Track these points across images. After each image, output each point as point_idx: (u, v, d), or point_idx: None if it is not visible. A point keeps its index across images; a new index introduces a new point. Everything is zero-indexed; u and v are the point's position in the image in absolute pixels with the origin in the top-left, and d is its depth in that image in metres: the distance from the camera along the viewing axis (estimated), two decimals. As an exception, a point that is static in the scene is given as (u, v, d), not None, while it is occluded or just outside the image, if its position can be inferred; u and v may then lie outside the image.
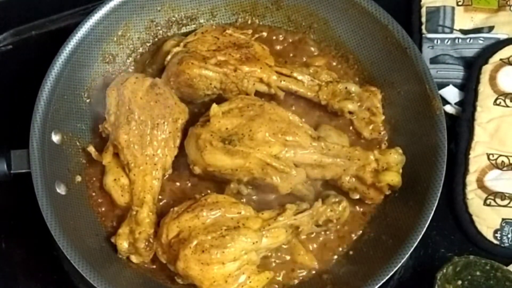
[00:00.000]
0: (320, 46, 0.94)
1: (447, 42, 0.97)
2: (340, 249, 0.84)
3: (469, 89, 0.93)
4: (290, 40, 0.95)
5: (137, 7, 0.91)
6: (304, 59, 0.93)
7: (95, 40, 0.89)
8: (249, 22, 0.95)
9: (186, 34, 0.92)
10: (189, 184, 0.87)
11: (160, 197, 0.85)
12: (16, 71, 0.98)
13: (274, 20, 0.95)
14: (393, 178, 0.81)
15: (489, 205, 0.87)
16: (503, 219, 0.87)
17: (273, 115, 0.81)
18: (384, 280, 0.75)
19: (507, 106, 0.92)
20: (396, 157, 0.82)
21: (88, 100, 0.90)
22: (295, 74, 0.89)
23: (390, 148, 0.83)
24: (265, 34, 0.95)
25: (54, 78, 0.84)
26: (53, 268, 0.87)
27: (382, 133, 0.88)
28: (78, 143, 0.88)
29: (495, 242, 0.86)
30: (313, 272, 0.83)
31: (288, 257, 0.83)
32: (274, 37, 0.95)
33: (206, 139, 0.79)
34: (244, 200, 0.84)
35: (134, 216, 0.81)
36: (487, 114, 0.91)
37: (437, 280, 0.76)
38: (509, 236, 0.86)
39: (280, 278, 0.82)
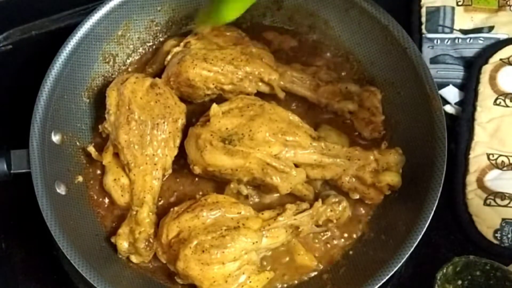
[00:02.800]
0: (321, 46, 0.94)
1: (447, 42, 0.97)
2: (341, 249, 0.84)
3: (469, 89, 0.93)
4: (291, 40, 0.95)
5: (137, 7, 0.91)
6: (304, 59, 0.93)
7: (95, 40, 0.89)
8: (249, 22, 0.96)
9: (186, 34, 0.92)
10: (189, 184, 0.87)
11: (160, 197, 0.85)
12: (16, 71, 0.98)
13: (275, 20, 0.96)
14: (393, 178, 0.81)
15: (489, 205, 0.87)
16: (503, 219, 0.87)
17: (273, 115, 0.81)
18: (384, 280, 0.75)
19: (507, 106, 0.92)
20: (396, 157, 0.82)
21: (88, 100, 0.90)
22: (295, 74, 0.89)
23: (390, 148, 0.83)
24: (265, 34, 0.95)
25: (54, 78, 0.84)
26: (53, 268, 0.87)
27: (382, 133, 0.88)
28: (78, 143, 0.88)
29: (495, 242, 0.86)
30: (313, 272, 0.83)
31: (288, 257, 0.83)
32: (274, 37, 0.95)
33: (206, 139, 0.79)
34: (244, 200, 0.84)
35: (134, 216, 0.81)
36: (487, 114, 0.91)
37: (437, 280, 0.76)
38: (509, 236, 0.86)
39: (279, 278, 0.82)
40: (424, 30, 0.98)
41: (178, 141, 0.84)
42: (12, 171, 0.81)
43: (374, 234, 0.84)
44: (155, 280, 0.82)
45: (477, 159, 0.89)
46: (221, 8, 0.68)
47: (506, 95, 0.92)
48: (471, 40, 0.97)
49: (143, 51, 0.95)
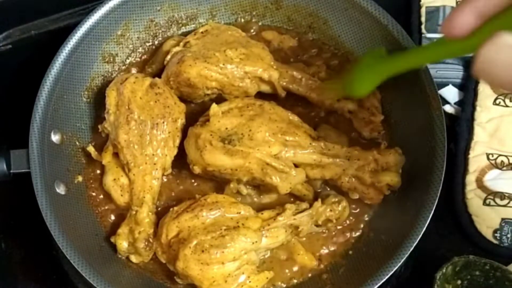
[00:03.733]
0: (320, 46, 0.94)
1: (447, 42, 0.97)
2: (340, 249, 0.84)
3: (468, 88, 0.93)
4: (290, 40, 0.95)
5: (137, 7, 0.91)
6: (304, 59, 0.93)
7: (95, 40, 0.89)
8: (249, 21, 0.96)
9: (186, 34, 0.92)
10: (189, 184, 0.87)
11: (159, 197, 0.85)
12: (16, 71, 0.98)
13: (274, 20, 0.96)
14: (393, 178, 0.81)
15: (488, 205, 0.87)
16: (502, 219, 0.87)
17: (273, 115, 0.81)
18: (384, 280, 0.75)
19: (507, 106, 0.92)
20: (395, 157, 0.82)
21: (88, 100, 0.90)
22: (295, 74, 0.89)
23: (390, 148, 0.83)
24: (265, 34, 0.95)
25: (53, 78, 0.84)
26: (53, 268, 0.87)
27: (381, 133, 0.88)
28: (77, 143, 0.88)
29: (495, 242, 0.86)
30: (313, 272, 0.83)
31: (287, 257, 0.83)
32: (274, 37, 0.95)
33: (205, 139, 0.79)
34: (244, 200, 0.84)
35: (134, 216, 0.81)
36: (487, 114, 0.91)
37: (437, 280, 0.76)
38: (509, 236, 0.86)
39: (279, 278, 0.82)
40: (424, 30, 0.98)
41: (177, 141, 0.84)
42: (11, 171, 0.81)
43: (374, 234, 0.84)
44: (155, 280, 0.82)
45: (476, 159, 0.89)
46: (354, 85, 0.77)
47: (505, 94, 0.92)
48: (471, 40, 0.96)
49: (143, 51, 0.95)
